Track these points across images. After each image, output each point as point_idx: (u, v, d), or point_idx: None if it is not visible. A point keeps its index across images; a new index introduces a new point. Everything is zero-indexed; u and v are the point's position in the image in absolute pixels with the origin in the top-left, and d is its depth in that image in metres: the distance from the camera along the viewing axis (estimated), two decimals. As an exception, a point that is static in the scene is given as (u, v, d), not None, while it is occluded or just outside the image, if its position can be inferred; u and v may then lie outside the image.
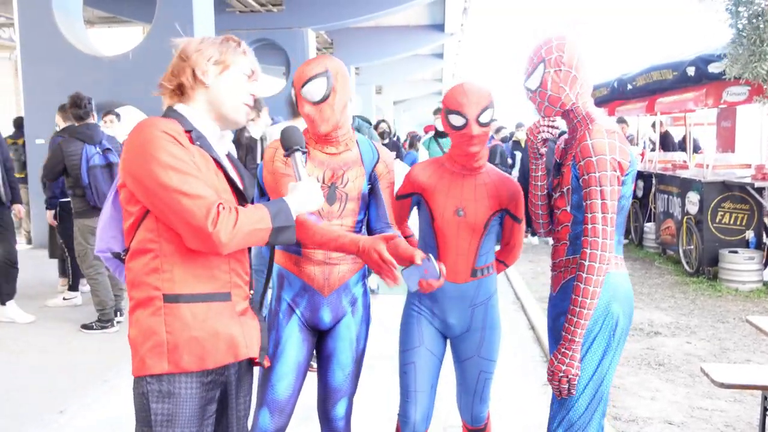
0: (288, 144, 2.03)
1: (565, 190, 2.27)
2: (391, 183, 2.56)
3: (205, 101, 1.86)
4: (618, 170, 2.14)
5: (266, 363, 1.96)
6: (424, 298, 2.61)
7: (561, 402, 2.24)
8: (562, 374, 2.16)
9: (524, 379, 4.48)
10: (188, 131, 1.79)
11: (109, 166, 5.51)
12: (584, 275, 2.12)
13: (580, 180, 2.18)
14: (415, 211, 2.73)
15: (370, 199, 2.53)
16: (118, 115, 7.81)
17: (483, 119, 2.43)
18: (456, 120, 2.44)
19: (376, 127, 6.04)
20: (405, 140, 13.81)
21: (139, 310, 1.78)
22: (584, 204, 2.17)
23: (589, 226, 2.14)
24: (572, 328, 2.14)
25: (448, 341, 2.71)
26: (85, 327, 5.65)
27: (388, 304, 6.09)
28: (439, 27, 22.03)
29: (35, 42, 9.65)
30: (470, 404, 2.69)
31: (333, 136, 2.40)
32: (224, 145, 1.93)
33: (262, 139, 6.03)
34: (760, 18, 6.53)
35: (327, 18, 15.45)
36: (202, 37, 1.88)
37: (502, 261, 2.75)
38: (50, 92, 9.04)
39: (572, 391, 2.18)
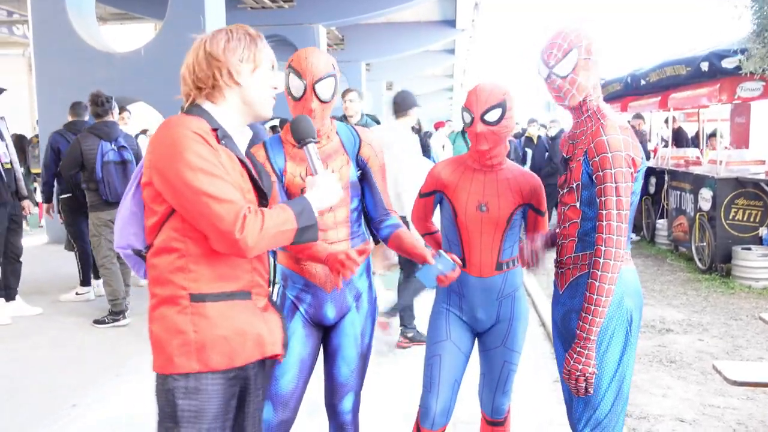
0: (300, 135, 2.00)
1: (574, 185, 2.24)
2: (382, 166, 2.55)
3: (238, 100, 1.86)
4: (632, 167, 2.13)
5: (281, 358, 1.99)
6: (453, 294, 2.65)
7: (585, 402, 2.21)
8: (579, 373, 2.15)
9: (535, 376, 4.47)
10: (215, 129, 1.79)
11: (123, 163, 5.74)
12: (599, 272, 2.11)
13: (594, 176, 2.16)
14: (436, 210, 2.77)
15: (363, 186, 2.53)
16: (129, 112, 7.90)
17: (488, 118, 2.45)
18: (465, 117, 2.52)
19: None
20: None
21: (164, 307, 1.78)
22: (598, 200, 2.15)
23: (604, 223, 2.12)
24: (587, 326, 2.13)
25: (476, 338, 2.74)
26: (97, 322, 5.71)
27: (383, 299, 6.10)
28: (451, 23, 21.96)
29: (48, 39, 9.72)
30: (492, 395, 2.71)
31: (321, 132, 2.43)
32: (244, 142, 1.93)
33: None
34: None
35: (338, 14, 15.46)
36: (221, 32, 1.85)
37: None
38: (63, 88, 9.12)
39: (590, 389, 2.16)
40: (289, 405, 2.44)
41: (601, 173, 2.13)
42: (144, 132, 8.71)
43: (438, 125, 11.35)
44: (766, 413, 3.79)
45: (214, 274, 1.78)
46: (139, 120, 9.14)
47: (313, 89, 2.34)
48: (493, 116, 2.45)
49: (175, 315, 1.76)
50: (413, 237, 2.52)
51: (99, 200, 5.69)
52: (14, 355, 5.00)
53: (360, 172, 2.51)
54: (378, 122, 6.20)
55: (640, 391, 4.19)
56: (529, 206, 2.59)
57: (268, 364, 1.99)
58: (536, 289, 6.86)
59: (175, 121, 1.75)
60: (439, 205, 2.71)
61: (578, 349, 2.15)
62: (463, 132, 5.68)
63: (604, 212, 2.13)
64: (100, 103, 5.79)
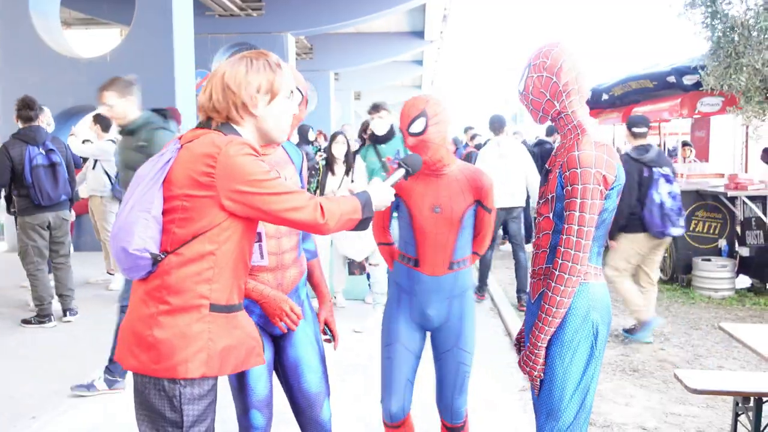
0: (409, 166, 2.34)
1: (549, 197, 2.28)
2: (307, 178, 2.70)
3: (253, 127, 1.97)
4: (602, 184, 2.15)
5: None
6: (404, 294, 2.80)
7: (548, 413, 2.25)
8: (527, 375, 2.29)
9: (500, 386, 4.51)
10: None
11: (53, 166, 5.73)
12: (554, 285, 2.17)
13: (564, 190, 2.21)
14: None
15: None
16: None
17: (413, 129, 2.63)
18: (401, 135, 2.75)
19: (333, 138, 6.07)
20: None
21: (180, 315, 1.83)
22: (565, 214, 2.19)
23: (565, 237, 2.16)
24: (538, 333, 2.22)
25: (429, 336, 2.84)
26: (25, 322, 5.84)
27: (353, 310, 6.10)
28: (419, 34, 22.13)
29: (12, 43, 9.54)
30: (450, 399, 2.80)
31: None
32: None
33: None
34: (735, 30, 6.68)
35: (307, 23, 15.45)
36: (242, 61, 1.94)
37: (475, 252, 2.89)
38: (28, 93, 8.92)
39: (535, 392, 2.30)
40: (270, 405, 2.49)
41: (570, 188, 2.17)
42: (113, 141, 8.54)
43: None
44: (725, 421, 3.87)
45: (232, 286, 1.91)
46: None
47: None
48: (417, 127, 2.62)
49: (192, 323, 1.84)
50: (321, 274, 2.73)
51: (29, 204, 5.69)
52: (-28, 365, 4.88)
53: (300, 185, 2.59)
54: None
55: (603, 399, 4.25)
56: (479, 203, 2.75)
57: (234, 381, 2.18)
58: (502, 299, 6.92)
59: (232, 144, 1.84)
60: (395, 210, 2.85)
61: (527, 353, 2.27)
62: (373, 144, 5.76)
63: (566, 226, 2.16)
64: (35, 108, 5.77)
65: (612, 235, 5.50)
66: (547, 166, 2.40)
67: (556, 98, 2.27)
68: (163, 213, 1.85)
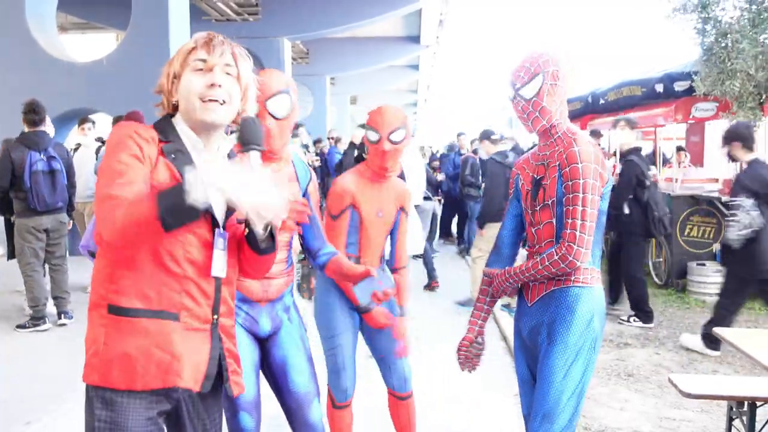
0: (247, 139, 1.71)
1: (549, 202, 2.27)
2: (318, 201, 2.69)
3: (180, 100, 1.78)
4: (600, 181, 2.18)
5: (235, 391, 1.85)
6: (336, 289, 2.98)
7: (544, 415, 2.24)
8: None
9: (495, 390, 4.51)
10: (163, 141, 1.73)
11: (52, 173, 5.79)
12: (548, 263, 2.20)
13: (564, 186, 2.20)
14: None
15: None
16: (93, 122, 7.76)
17: (394, 137, 2.87)
18: (371, 135, 2.88)
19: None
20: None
21: (91, 312, 1.75)
22: (565, 209, 2.19)
23: (569, 231, 2.16)
24: (508, 279, 2.35)
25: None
26: (20, 327, 5.84)
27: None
28: (415, 39, 22.15)
29: (8, 48, 9.52)
30: (391, 366, 3.11)
31: (279, 153, 2.47)
32: (213, 157, 1.81)
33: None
34: (727, 36, 6.71)
35: (303, 28, 15.46)
36: (189, 41, 1.83)
37: (403, 266, 3.17)
38: (23, 99, 8.91)
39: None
40: (258, 406, 2.50)
41: (570, 183, 2.17)
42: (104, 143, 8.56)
43: None
44: (720, 425, 3.88)
45: (135, 288, 1.69)
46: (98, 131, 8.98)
47: (265, 107, 2.37)
48: (398, 136, 2.88)
49: (95, 324, 1.72)
50: (348, 261, 2.69)
51: (26, 208, 5.75)
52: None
53: None
54: None
55: (598, 404, 4.26)
56: (402, 210, 3.09)
57: (223, 393, 1.86)
58: (497, 303, 6.92)
59: (118, 125, 1.75)
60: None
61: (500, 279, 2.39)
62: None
63: (569, 220, 2.17)
64: (39, 112, 5.81)
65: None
66: (534, 175, 2.36)
67: (561, 106, 2.31)
68: None
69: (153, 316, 1.69)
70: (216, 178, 1.47)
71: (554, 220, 2.26)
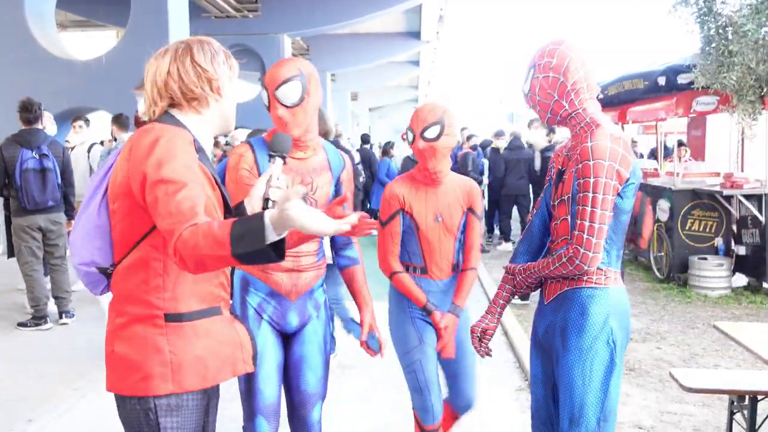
0: (275, 148, 1.97)
1: (566, 198, 2.20)
2: (352, 190, 2.64)
3: (218, 112, 1.84)
4: (616, 179, 2.07)
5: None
6: (406, 297, 2.82)
7: (571, 419, 2.18)
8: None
9: (496, 385, 4.51)
10: (194, 141, 1.76)
11: (43, 171, 5.75)
12: (558, 265, 2.14)
13: (576, 184, 2.13)
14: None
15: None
16: (87, 121, 7.68)
17: (428, 134, 2.69)
18: (408, 135, 2.76)
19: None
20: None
21: (138, 325, 1.72)
22: (575, 208, 2.11)
23: (577, 233, 2.09)
24: (522, 273, 2.30)
25: None
26: (21, 324, 5.86)
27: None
28: (415, 34, 22.13)
29: (7, 46, 9.52)
30: (458, 388, 2.91)
31: (303, 140, 2.40)
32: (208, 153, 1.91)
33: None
34: (728, 29, 6.69)
35: (303, 24, 15.44)
36: (202, 43, 1.81)
37: (472, 267, 2.90)
38: (22, 96, 8.90)
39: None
40: (278, 413, 2.47)
41: (581, 181, 2.09)
42: (101, 143, 8.49)
43: (404, 137, 11.29)
44: (721, 419, 3.88)
45: (189, 292, 1.74)
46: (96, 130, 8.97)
47: (274, 96, 2.33)
48: (432, 133, 2.68)
49: (151, 334, 1.71)
50: (363, 281, 2.66)
51: (19, 207, 5.76)
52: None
53: (335, 193, 2.54)
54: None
55: (600, 399, 4.25)
56: (470, 210, 2.85)
57: (243, 382, 2.01)
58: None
59: (161, 130, 1.70)
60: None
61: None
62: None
63: (577, 222, 2.09)
64: (33, 110, 5.78)
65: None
66: (560, 166, 2.29)
67: (565, 98, 2.20)
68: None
69: (206, 315, 1.77)
70: (292, 220, 1.47)
71: (569, 218, 2.19)
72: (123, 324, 1.74)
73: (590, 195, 2.06)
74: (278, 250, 1.51)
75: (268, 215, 1.49)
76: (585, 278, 2.18)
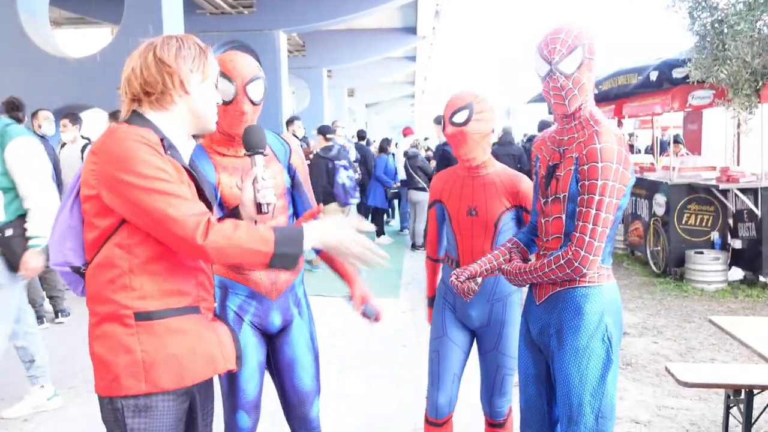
0: (252, 145, 1.99)
1: (561, 196, 2.16)
2: (306, 173, 2.60)
3: (185, 110, 1.81)
4: (621, 181, 2.04)
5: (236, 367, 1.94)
6: (449, 291, 2.81)
7: (569, 418, 2.17)
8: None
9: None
10: (161, 139, 1.74)
11: None
12: (554, 267, 2.10)
13: (579, 184, 2.08)
14: None
15: (294, 195, 2.54)
16: (78, 118, 7.60)
17: (456, 119, 2.59)
18: (440, 121, 2.63)
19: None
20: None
21: (107, 324, 1.71)
22: (578, 209, 2.07)
23: (578, 234, 2.05)
24: (512, 275, 2.26)
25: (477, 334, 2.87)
26: None
27: (330, 304, 6.06)
28: (412, 30, 22.06)
29: (0, 43, 9.47)
30: (489, 397, 2.84)
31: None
32: (188, 152, 1.89)
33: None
34: (723, 23, 6.68)
35: (299, 20, 15.38)
36: (171, 39, 1.80)
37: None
38: (16, 94, 8.84)
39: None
40: (258, 407, 2.50)
41: (587, 182, 2.04)
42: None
43: (407, 132, 11.29)
44: (717, 413, 3.88)
45: (159, 290, 1.73)
46: (95, 127, 8.94)
47: (245, 91, 2.30)
48: (460, 117, 2.58)
49: (120, 334, 1.70)
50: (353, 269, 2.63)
51: None
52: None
53: (291, 180, 2.51)
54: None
55: (596, 394, 4.25)
56: (522, 209, 2.67)
57: (225, 379, 1.94)
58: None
59: (122, 132, 1.70)
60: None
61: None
62: None
63: (580, 223, 2.05)
64: (19, 109, 5.72)
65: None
66: (551, 161, 2.24)
67: (591, 85, 2.11)
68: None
69: (180, 314, 1.75)
70: (323, 236, 1.74)
71: (564, 216, 2.15)
72: (95, 324, 1.75)
73: (596, 197, 2.02)
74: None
75: (306, 228, 1.73)
76: (578, 277, 2.15)
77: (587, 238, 2.04)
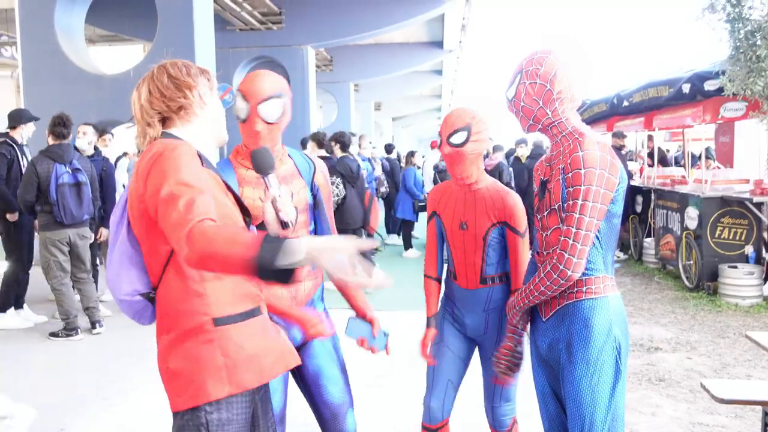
0: (260, 168, 2.04)
1: (555, 206, 2.20)
2: (329, 194, 2.63)
3: (206, 119, 1.91)
4: (607, 187, 2.09)
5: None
6: (449, 300, 2.86)
7: (581, 430, 2.17)
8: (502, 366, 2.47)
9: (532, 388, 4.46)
10: (197, 152, 1.80)
11: (78, 185, 5.86)
12: (543, 276, 2.15)
13: (566, 191, 2.13)
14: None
15: (315, 214, 2.56)
16: (112, 135, 7.83)
17: (454, 140, 2.63)
18: (438, 140, 2.74)
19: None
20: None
21: (185, 337, 1.74)
22: (564, 215, 2.12)
23: (562, 238, 2.09)
24: (513, 309, 2.36)
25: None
26: (53, 335, 5.93)
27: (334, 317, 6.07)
28: (438, 44, 22.16)
29: (37, 60, 9.71)
30: (491, 405, 2.86)
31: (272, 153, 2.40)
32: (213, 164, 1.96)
33: None
34: (757, 34, 6.60)
35: (326, 36, 15.55)
36: (173, 63, 1.90)
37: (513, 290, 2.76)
38: (51, 110, 9.04)
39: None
40: (283, 422, 2.51)
41: (572, 189, 2.10)
42: (125, 154, 8.63)
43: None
44: (754, 431, 3.81)
45: (229, 294, 1.78)
46: (120, 142, 9.12)
47: (256, 111, 2.35)
48: (458, 138, 2.63)
49: (200, 346, 1.73)
50: (364, 296, 2.62)
51: (52, 221, 5.80)
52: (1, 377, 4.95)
53: (313, 198, 2.54)
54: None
55: (629, 410, 4.20)
56: (505, 225, 2.68)
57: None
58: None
59: (162, 145, 1.75)
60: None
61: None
62: None
63: (564, 227, 2.10)
64: (66, 125, 5.89)
65: None
66: (542, 177, 2.31)
67: (549, 106, 2.22)
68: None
69: (252, 315, 1.82)
70: (314, 251, 1.47)
71: (561, 226, 2.18)
72: (173, 339, 1.76)
73: (579, 202, 2.08)
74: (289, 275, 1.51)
75: (302, 240, 1.49)
76: (584, 288, 2.18)
77: (571, 241, 2.08)
